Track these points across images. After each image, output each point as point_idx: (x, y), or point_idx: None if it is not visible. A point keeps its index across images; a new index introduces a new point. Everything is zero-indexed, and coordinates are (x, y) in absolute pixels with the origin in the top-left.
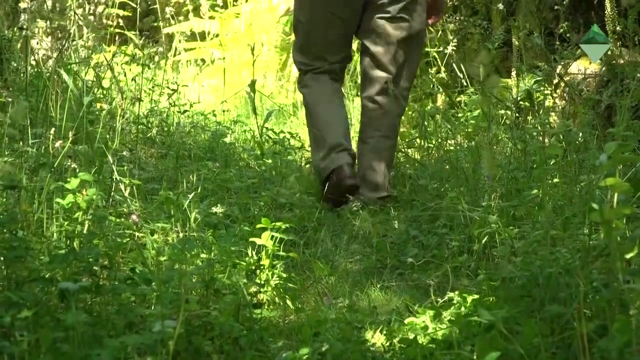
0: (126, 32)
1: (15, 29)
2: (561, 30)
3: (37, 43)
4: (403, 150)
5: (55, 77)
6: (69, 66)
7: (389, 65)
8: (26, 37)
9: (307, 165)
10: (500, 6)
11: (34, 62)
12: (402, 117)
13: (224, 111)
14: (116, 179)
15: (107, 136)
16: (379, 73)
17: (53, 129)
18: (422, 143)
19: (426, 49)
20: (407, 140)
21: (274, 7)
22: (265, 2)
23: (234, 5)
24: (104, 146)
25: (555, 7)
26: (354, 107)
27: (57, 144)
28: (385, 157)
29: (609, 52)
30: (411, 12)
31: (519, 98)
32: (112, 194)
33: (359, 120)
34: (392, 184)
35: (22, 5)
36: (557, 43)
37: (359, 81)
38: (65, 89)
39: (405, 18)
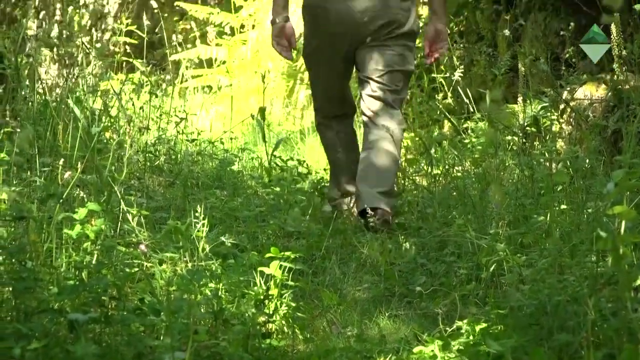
0: (133, 60)
1: (22, 56)
2: (567, 55)
3: (45, 72)
4: (410, 177)
5: (63, 106)
6: (76, 95)
7: (385, 93)
8: (33, 65)
9: (315, 193)
10: (506, 32)
11: (41, 91)
12: (410, 143)
13: (231, 139)
14: (124, 208)
15: (115, 165)
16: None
17: (62, 159)
18: (429, 170)
19: (432, 75)
20: (414, 167)
21: None
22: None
23: (240, 32)
24: (112, 176)
25: (561, 33)
26: None
27: (67, 175)
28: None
29: (615, 78)
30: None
31: (525, 124)
32: (120, 223)
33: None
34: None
35: (29, 32)
36: (563, 68)
37: None
38: (73, 117)
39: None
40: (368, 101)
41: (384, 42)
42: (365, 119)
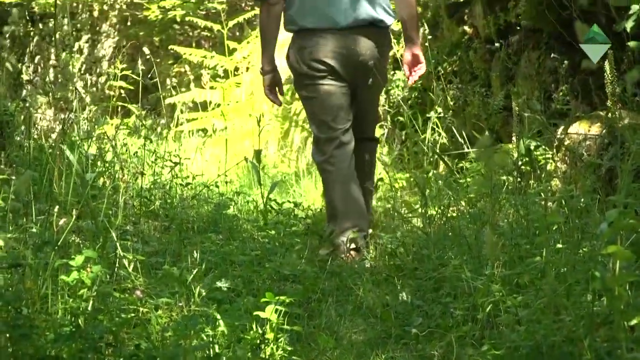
0: (128, 105)
1: (18, 102)
2: (560, 93)
3: (40, 118)
4: (405, 218)
5: (58, 152)
6: (71, 140)
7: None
8: (29, 111)
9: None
10: (496, 70)
11: (36, 136)
12: (404, 183)
13: (226, 182)
14: (120, 254)
15: (111, 211)
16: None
17: (57, 206)
18: (424, 210)
19: (426, 115)
20: (409, 208)
21: None
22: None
23: (234, 74)
24: (107, 222)
25: (554, 70)
26: None
27: (62, 222)
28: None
29: (610, 115)
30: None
31: (520, 163)
32: (116, 269)
33: None
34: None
35: (25, 77)
36: (557, 106)
37: None
38: (68, 163)
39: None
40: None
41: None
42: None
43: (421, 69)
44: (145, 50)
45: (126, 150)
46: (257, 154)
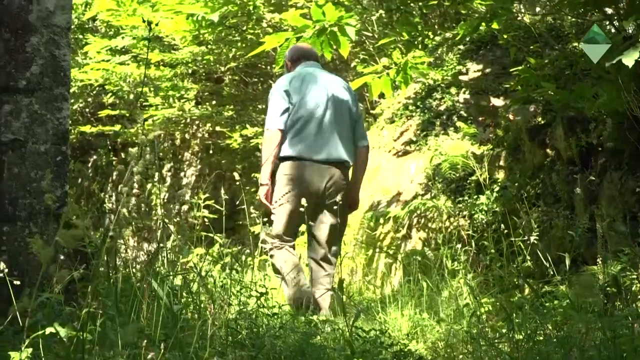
0: (212, 235)
1: (102, 232)
2: None
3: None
4: (492, 343)
5: (145, 285)
6: (158, 271)
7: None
8: (114, 242)
9: None
10: (579, 191)
11: (121, 268)
12: (490, 308)
13: (312, 311)
14: None
15: (198, 344)
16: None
17: (146, 340)
18: (511, 335)
19: (510, 239)
20: (496, 333)
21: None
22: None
23: None
24: (195, 353)
25: (637, 190)
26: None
27: (150, 355)
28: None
29: None
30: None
31: (605, 285)
32: None
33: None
34: None
35: (107, 206)
36: None
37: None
38: (155, 296)
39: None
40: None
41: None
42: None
43: (355, 209)
44: (235, 175)
45: (212, 281)
46: (340, 283)
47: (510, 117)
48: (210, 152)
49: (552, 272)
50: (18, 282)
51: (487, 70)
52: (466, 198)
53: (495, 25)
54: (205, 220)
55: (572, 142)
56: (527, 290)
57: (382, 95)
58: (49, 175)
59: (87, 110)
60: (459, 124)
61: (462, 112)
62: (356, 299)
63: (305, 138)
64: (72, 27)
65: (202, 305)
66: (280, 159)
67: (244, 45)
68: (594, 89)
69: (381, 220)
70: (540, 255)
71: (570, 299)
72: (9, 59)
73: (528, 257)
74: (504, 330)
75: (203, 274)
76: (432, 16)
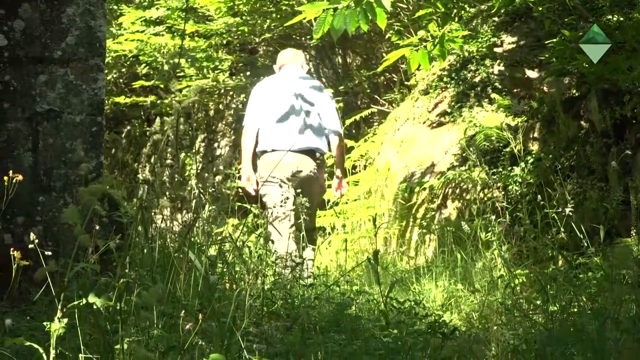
0: (246, 205)
1: (136, 203)
2: None
3: (159, 218)
4: (527, 314)
5: (181, 255)
6: (193, 242)
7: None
8: (149, 212)
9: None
10: (614, 164)
11: (157, 239)
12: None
13: (347, 282)
14: (245, 356)
15: (235, 314)
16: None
17: (183, 310)
18: (545, 307)
19: (545, 211)
20: (530, 305)
21: (392, 173)
22: (381, 167)
23: (352, 173)
24: (232, 323)
25: None
26: None
27: (188, 326)
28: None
29: None
30: None
31: None
32: None
33: None
34: None
35: (141, 177)
36: None
37: None
38: (192, 266)
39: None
40: None
41: None
42: None
43: (344, 188)
44: None
45: (248, 251)
46: (375, 254)
47: (545, 89)
48: None
49: (586, 244)
50: (49, 253)
51: (522, 42)
52: (500, 169)
53: None
54: (239, 190)
55: (607, 114)
56: (561, 262)
57: (418, 68)
58: (83, 145)
59: (120, 80)
60: (494, 95)
61: (496, 84)
62: (390, 269)
63: (279, 132)
64: None
65: (237, 276)
66: (260, 152)
67: (278, 16)
68: (629, 62)
69: (416, 190)
70: (575, 227)
71: (605, 270)
72: (44, 30)
73: (562, 229)
74: (538, 302)
75: (239, 244)
76: None
